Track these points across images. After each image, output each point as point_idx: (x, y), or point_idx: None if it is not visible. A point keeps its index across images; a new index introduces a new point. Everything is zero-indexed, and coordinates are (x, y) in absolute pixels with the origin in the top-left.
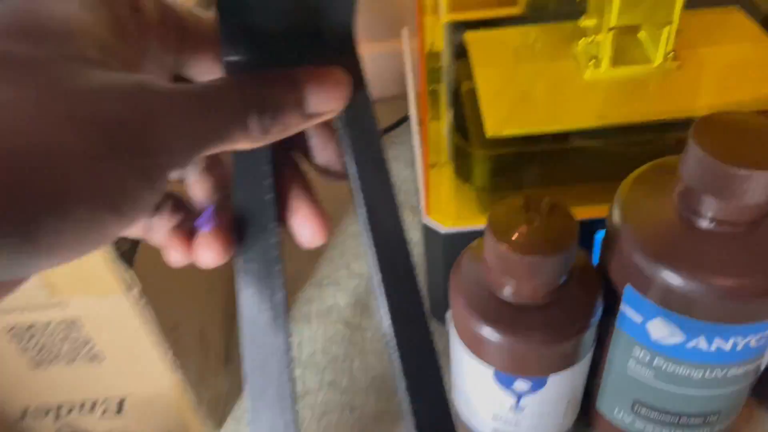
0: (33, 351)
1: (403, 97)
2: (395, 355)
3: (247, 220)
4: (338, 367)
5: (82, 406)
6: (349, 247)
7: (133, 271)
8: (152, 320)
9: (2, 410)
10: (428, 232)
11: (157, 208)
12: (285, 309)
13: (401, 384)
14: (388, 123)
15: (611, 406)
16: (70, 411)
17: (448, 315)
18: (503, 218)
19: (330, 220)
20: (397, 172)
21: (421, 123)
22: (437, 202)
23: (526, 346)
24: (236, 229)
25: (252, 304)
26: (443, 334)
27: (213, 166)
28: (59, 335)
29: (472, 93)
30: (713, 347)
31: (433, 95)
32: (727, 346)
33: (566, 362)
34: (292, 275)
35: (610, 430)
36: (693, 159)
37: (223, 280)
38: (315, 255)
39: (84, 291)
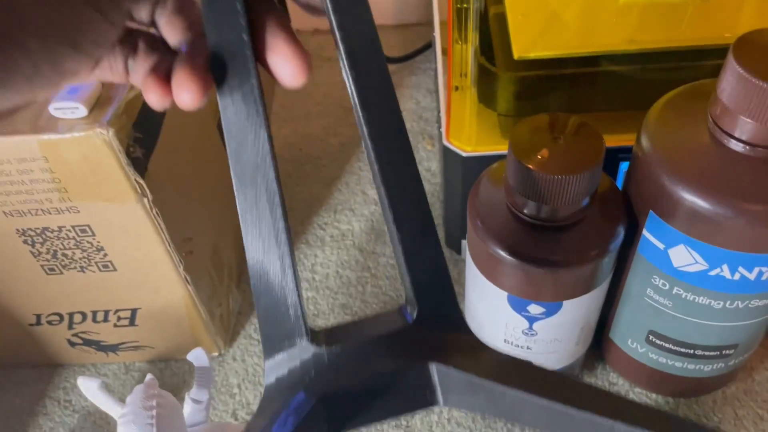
0: (46, 256)
1: (426, 23)
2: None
3: (224, 61)
4: (350, 291)
5: (95, 315)
6: (366, 174)
7: (146, 179)
8: (163, 231)
9: (17, 315)
10: (448, 157)
11: (133, 50)
12: (271, 151)
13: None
14: (410, 49)
15: (625, 336)
16: (83, 319)
17: (464, 243)
18: (527, 136)
19: (310, 57)
20: (419, 99)
21: (447, 45)
22: (459, 126)
23: (543, 270)
24: (214, 70)
25: (237, 143)
26: (458, 263)
27: (183, 7)
28: (71, 241)
29: (500, 17)
30: (736, 276)
31: (460, 16)
32: (752, 275)
33: (582, 288)
34: (306, 200)
35: (622, 361)
36: (731, 77)
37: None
38: (330, 180)
39: (95, 197)
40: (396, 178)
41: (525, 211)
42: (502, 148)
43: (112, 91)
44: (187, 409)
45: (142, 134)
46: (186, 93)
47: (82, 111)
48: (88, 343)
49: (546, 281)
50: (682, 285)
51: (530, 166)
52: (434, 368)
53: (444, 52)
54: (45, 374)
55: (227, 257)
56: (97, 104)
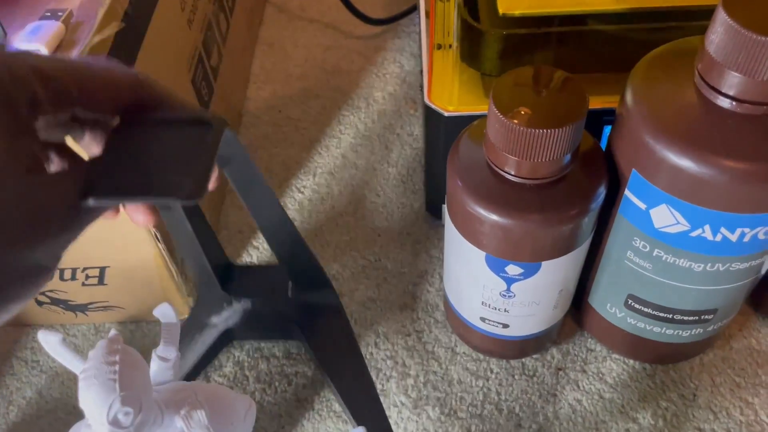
0: None
1: None
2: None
3: None
4: (329, 254)
5: (63, 272)
6: (346, 137)
7: None
8: None
9: None
10: (430, 117)
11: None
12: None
13: None
14: (395, 11)
15: (604, 301)
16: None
17: (444, 208)
18: (509, 89)
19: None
20: (402, 63)
21: (430, 4)
22: (441, 86)
23: (522, 228)
24: None
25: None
26: (438, 229)
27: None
28: None
29: None
30: (718, 237)
31: None
32: (733, 236)
33: (562, 248)
34: (284, 162)
35: (600, 326)
36: (720, 28)
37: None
38: (310, 143)
39: None
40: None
41: (505, 168)
42: (485, 108)
43: (77, 34)
44: (154, 366)
45: None
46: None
47: (44, 54)
48: (56, 302)
49: (524, 240)
50: (662, 247)
51: (511, 120)
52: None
53: (427, 13)
54: (11, 334)
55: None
56: (60, 47)
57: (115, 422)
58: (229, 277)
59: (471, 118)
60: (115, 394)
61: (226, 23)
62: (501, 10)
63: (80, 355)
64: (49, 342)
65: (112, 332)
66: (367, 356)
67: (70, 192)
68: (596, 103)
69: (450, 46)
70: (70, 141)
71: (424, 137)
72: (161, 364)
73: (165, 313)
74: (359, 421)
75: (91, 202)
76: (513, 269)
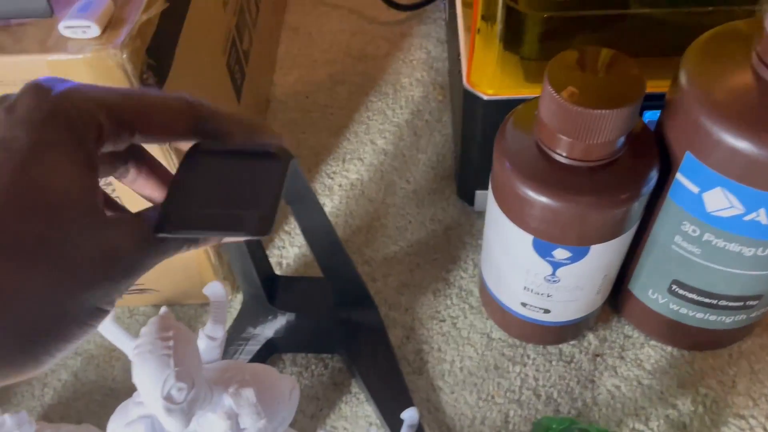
0: None
1: None
2: None
3: None
4: (360, 240)
5: None
6: (374, 123)
7: None
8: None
9: None
10: (468, 101)
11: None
12: None
13: None
14: None
15: (645, 287)
16: None
17: (478, 194)
18: (564, 69)
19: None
20: (429, 49)
21: None
22: (480, 70)
23: (573, 211)
24: None
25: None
26: (470, 215)
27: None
28: None
29: None
30: None
31: None
32: None
33: (611, 232)
34: (313, 148)
35: (640, 312)
36: None
37: None
38: (338, 129)
39: None
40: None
41: (557, 149)
42: (525, 92)
43: (125, 12)
44: (201, 345)
45: (155, 61)
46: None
47: (95, 30)
48: None
49: (574, 224)
50: (713, 231)
51: (568, 100)
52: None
53: None
54: None
55: None
56: (110, 25)
57: (169, 397)
58: (273, 288)
59: (510, 102)
60: (169, 370)
61: (256, 7)
62: None
63: (129, 333)
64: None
65: (164, 309)
66: (402, 340)
67: (143, 230)
68: None
69: (491, 28)
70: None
71: (461, 122)
72: (209, 343)
73: (215, 291)
74: None
75: (159, 235)
76: (561, 253)
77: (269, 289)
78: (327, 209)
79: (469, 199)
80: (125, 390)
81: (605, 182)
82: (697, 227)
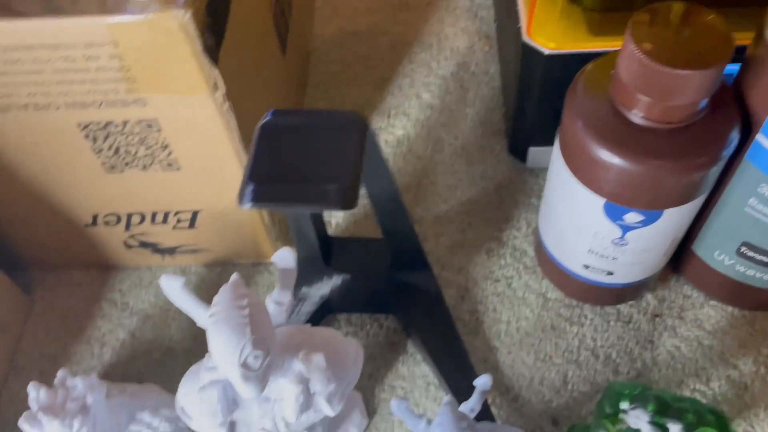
0: (108, 153)
1: None
2: None
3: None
4: (408, 198)
5: (154, 216)
6: (419, 77)
7: (219, 70)
8: (233, 127)
9: (73, 215)
10: (527, 55)
11: None
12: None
13: None
14: None
15: (712, 248)
16: (141, 221)
17: (532, 151)
18: (646, 25)
19: None
20: None
21: None
22: (542, 22)
23: (650, 174)
24: None
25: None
26: (522, 172)
27: None
28: (136, 137)
29: None
30: None
31: None
32: None
33: (686, 196)
34: (357, 102)
35: (703, 273)
36: None
37: (300, 105)
38: (381, 82)
39: (165, 88)
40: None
41: (635, 110)
42: (588, 46)
43: None
44: (269, 310)
45: (213, 20)
46: None
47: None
48: (144, 245)
49: (650, 187)
50: None
51: (652, 59)
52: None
53: None
54: (98, 276)
55: None
56: None
57: (245, 365)
58: (328, 249)
59: (572, 56)
60: (246, 338)
61: None
62: None
63: (200, 300)
64: (172, 287)
65: (235, 276)
66: (457, 301)
67: None
68: None
69: None
70: None
71: (516, 76)
72: (276, 309)
73: (284, 257)
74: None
75: (246, 206)
76: (632, 217)
77: (324, 250)
78: None
79: (522, 156)
80: (183, 350)
81: (685, 145)
82: None
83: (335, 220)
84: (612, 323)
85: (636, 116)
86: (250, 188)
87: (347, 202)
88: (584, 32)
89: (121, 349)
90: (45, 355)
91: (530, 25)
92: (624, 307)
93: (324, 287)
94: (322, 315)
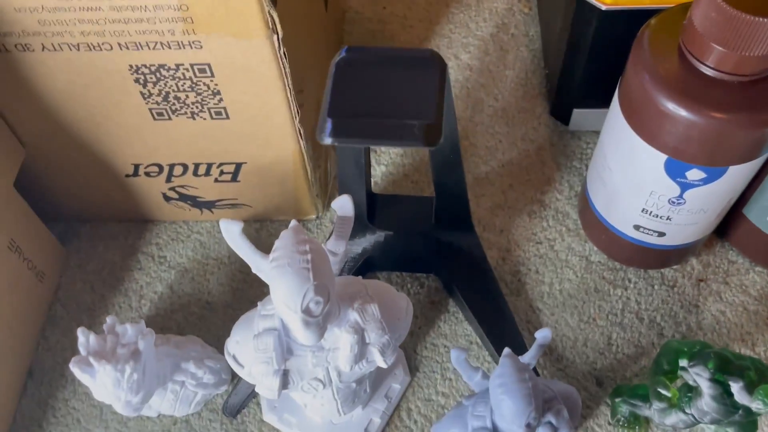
0: (156, 99)
1: None
2: None
3: None
4: None
5: (197, 167)
6: (457, 36)
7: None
8: (287, 75)
9: (114, 164)
10: (580, 12)
11: None
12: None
13: None
14: None
15: (764, 212)
16: (183, 172)
17: (576, 112)
18: None
19: None
20: None
21: None
22: None
23: (719, 128)
24: None
25: None
26: (563, 135)
27: None
28: (187, 82)
29: None
30: None
31: None
32: None
33: (752, 152)
34: None
35: (753, 238)
36: None
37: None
38: (419, 42)
39: (222, 29)
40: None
41: (707, 61)
42: (645, 3)
43: None
44: None
45: None
46: None
47: None
48: (184, 198)
49: (717, 142)
50: None
51: (730, 5)
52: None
53: None
54: (134, 230)
55: None
56: None
57: (307, 311)
58: (372, 206)
59: (628, 13)
60: (309, 283)
61: None
62: None
63: (255, 247)
64: (231, 231)
65: (294, 222)
66: (498, 262)
67: None
68: None
69: None
70: None
71: (566, 34)
72: (331, 259)
73: (343, 205)
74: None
75: (326, 141)
76: (695, 174)
77: (368, 207)
78: None
79: (565, 119)
80: (222, 304)
81: (756, 99)
82: None
83: (373, 179)
84: (656, 287)
85: (707, 68)
86: (329, 123)
87: (432, 138)
88: None
89: (160, 302)
90: (82, 307)
91: None
92: (668, 272)
93: (366, 244)
94: (363, 271)
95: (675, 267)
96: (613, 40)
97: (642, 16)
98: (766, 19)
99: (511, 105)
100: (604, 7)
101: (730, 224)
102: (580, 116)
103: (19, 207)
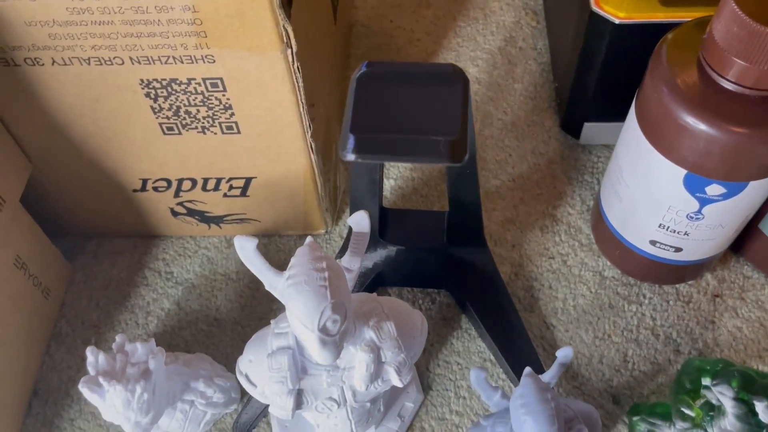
0: (167, 113)
1: None
2: None
3: None
4: None
5: (206, 182)
6: (465, 50)
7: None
8: (300, 90)
9: (122, 179)
10: (593, 25)
11: None
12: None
13: None
14: None
15: None
16: (192, 186)
17: (587, 126)
18: None
19: None
20: None
21: None
22: None
23: (739, 143)
24: None
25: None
26: (574, 149)
27: None
28: (198, 96)
29: None
30: None
31: None
32: None
33: None
34: None
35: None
36: None
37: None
38: (426, 56)
39: (236, 44)
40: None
41: (728, 75)
42: (660, 17)
43: None
44: None
45: None
46: None
47: None
48: (191, 213)
49: (739, 157)
50: None
51: (752, 18)
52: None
53: None
54: (140, 245)
55: (335, 130)
56: None
57: (324, 330)
58: (383, 221)
59: (642, 27)
60: (326, 302)
61: None
62: None
63: (270, 264)
64: (246, 248)
65: (309, 239)
66: (511, 277)
67: None
68: None
69: None
70: None
71: (579, 48)
72: (346, 275)
73: (360, 222)
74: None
75: (349, 158)
76: (714, 189)
77: (380, 222)
78: None
79: (575, 132)
80: (230, 320)
81: None
82: None
83: (383, 193)
84: (671, 303)
85: (728, 82)
86: (351, 139)
87: (457, 154)
88: (655, 2)
89: (167, 318)
90: (88, 324)
91: None
92: (683, 287)
93: (377, 260)
94: (374, 287)
95: (690, 282)
96: (626, 53)
97: (656, 30)
98: None
99: (521, 119)
100: (617, 21)
101: (745, 239)
102: (591, 130)
103: (26, 223)
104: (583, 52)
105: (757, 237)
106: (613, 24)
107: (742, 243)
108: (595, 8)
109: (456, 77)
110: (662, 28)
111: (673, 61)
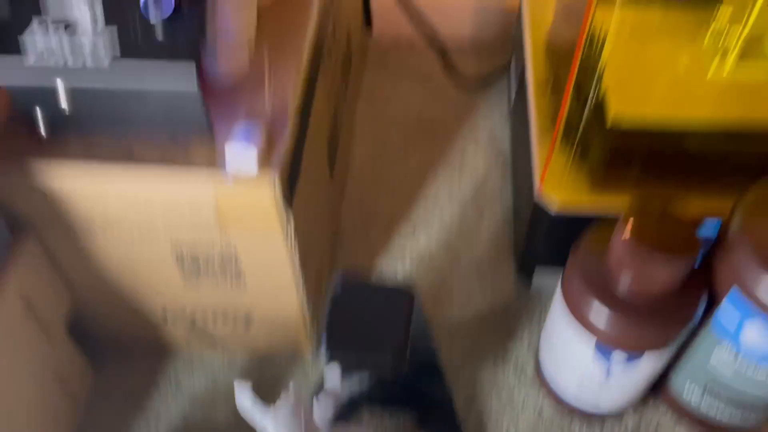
0: (190, 269)
1: (499, 40)
2: None
3: None
4: (426, 306)
5: (215, 316)
6: (443, 194)
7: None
8: (295, 254)
9: (145, 310)
10: (536, 209)
11: None
12: None
13: None
14: (486, 69)
15: (683, 383)
16: (204, 318)
17: (537, 278)
18: (639, 218)
19: None
20: (493, 123)
21: (563, 99)
22: (554, 180)
23: (632, 330)
24: None
25: None
26: (527, 293)
27: None
28: (217, 260)
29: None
30: None
31: (585, 73)
32: None
33: (662, 343)
34: (388, 215)
35: (674, 401)
36: None
37: (331, 238)
38: (408, 198)
39: (247, 228)
40: None
41: (622, 281)
42: (589, 210)
43: (272, 137)
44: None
45: (292, 173)
46: None
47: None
48: (202, 336)
49: (632, 338)
50: (746, 361)
51: (636, 247)
52: None
53: (539, 92)
54: (154, 362)
55: (322, 276)
56: (262, 149)
57: None
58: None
59: (573, 218)
60: None
61: (344, 84)
62: (609, 123)
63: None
64: (244, 396)
65: (291, 384)
66: (464, 407)
67: None
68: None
69: (571, 143)
70: None
71: (526, 224)
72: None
73: (333, 379)
74: None
75: (324, 352)
76: (617, 356)
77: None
78: (399, 275)
79: (527, 281)
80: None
81: (662, 314)
82: (732, 354)
83: None
84: None
85: (622, 288)
86: (328, 354)
87: (396, 374)
88: (587, 192)
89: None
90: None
91: (542, 183)
92: (608, 424)
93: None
94: (345, 415)
95: (614, 418)
96: (562, 236)
97: (587, 221)
98: (656, 264)
99: (484, 261)
100: (552, 213)
101: (660, 385)
102: (541, 281)
103: (66, 348)
104: (530, 227)
105: (668, 387)
106: (550, 215)
107: (657, 388)
108: (537, 199)
109: (406, 298)
110: (594, 220)
111: (586, 257)
